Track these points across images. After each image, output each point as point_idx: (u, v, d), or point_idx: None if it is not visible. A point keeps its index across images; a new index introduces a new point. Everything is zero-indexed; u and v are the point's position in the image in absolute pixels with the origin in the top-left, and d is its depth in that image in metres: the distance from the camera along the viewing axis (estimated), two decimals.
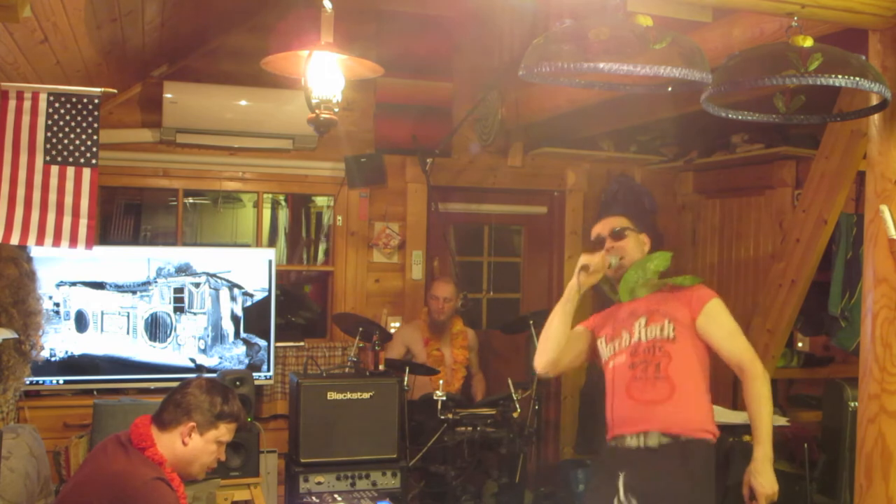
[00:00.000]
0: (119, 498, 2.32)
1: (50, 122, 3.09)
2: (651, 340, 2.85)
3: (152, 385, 4.69)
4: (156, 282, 4.68)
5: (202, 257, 4.78)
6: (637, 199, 5.76)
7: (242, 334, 4.82)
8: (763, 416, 2.71)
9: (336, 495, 3.59)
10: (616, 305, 3.05)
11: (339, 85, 2.94)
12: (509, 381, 4.48)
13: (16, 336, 3.22)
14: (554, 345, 2.94)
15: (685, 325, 2.84)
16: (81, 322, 4.58)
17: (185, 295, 4.72)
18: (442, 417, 4.26)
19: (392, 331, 5.10)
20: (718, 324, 2.83)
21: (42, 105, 3.08)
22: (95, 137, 3.15)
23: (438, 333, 5.00)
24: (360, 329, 4.49)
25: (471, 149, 5.60)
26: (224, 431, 2.56)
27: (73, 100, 3.13)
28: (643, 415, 2.82)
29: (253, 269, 4.84)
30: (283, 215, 7.10)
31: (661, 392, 2.79)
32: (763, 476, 2.69)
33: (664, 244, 5.86)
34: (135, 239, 5.98)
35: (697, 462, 2.76)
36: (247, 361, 4.81)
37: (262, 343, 4.84)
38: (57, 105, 3.10)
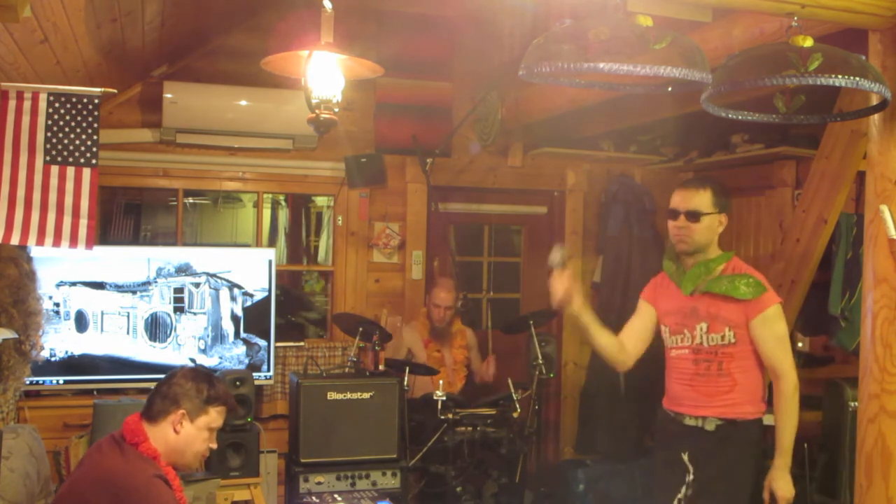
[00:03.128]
0: (117, 496, 2.33)
1: (50, 122, 3.09)
2: (713, 346, 3.08)
3: (152, 385, 4.66)
4: (156, 282, 4.68)
5: (202, 257, 4.78)
6: (637, 199, 5.76)
7: (242, 334, 4.82)
8: (788, 428, 3.00)
9: (336, 495, 3.60)
10: (674, 287, 3.21)
11: (339, 85, 2.94)
12: (509, 381, 4.48)
13: (16, 336, 3.22)
14: (611, 354, 3.25)
15: (742, 325, 3.04)
16: (81, 322, 4.58)
17: (185, 295, 4.72)
18: (442, 417, 4.26)
19: (390, 325, 5.10)
20: (769, 331, 3.02)
21: (42, 105, 3.08)
22: (95, 137, 3.15)
23: (440, 337, 4.99)
24: (360, 329, 4.49)
25: (471, 149, 5.60)
26: (214, 416, 2.58)
27: (73, 100, 3.12)
28: (703, 403, 3.10)
29: (253, 269, 4.84)
30: (283, 215, 7.10)
31: (723, 386, 3.07)
32: (783, 481, 3.01)
33: (664, 244, 5.88)
34: (135, 239, 5.98)
35: (747, 439, 3.08)
36: (247, 361, 4.81)
37: (262, 343, 4.84)
38: (57, 105, 3.10)
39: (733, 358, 3.06)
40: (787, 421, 2.99)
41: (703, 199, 3.08)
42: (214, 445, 2.64)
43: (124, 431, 2.49)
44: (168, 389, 2.55)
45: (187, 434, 2.52)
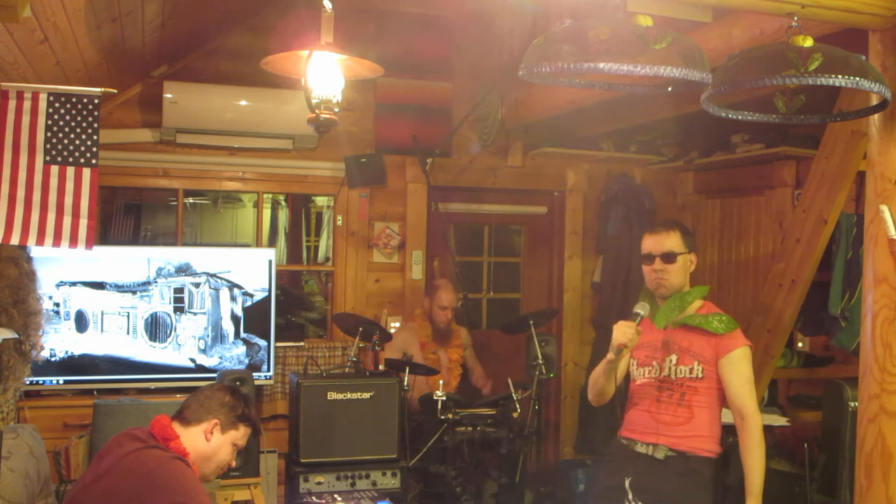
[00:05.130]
0: (142, 478, 2.36)
1: (50, 123, 3.09)
2: (680, 378, 3.08)
3: (152, 385, 4.69)
4: (156, 282, 4.68)
5: (202, 257, 4.78)
6: (637, 199, 5.76)
7: (242, 334, 4.82)
8: (756, 469, 2.91)
9: (336, 495, 3.59)
10: (648, 322, 3.18)
11: (339, 85, 2.94)
12: (509, 381, 4.48)
13: (16, 336, 3.23)
14: (601, 393, 3.22)
15: (711, 362, 3.05)
16: (81, 322, 4.58)
17: (185, 295, 4.72)
18: (442, 417, 4.26)
19: (392, 331, 5.10)
20: (737, 371, 3.01)
21: (42, 105, 3.08)
22: (95, 137, 3.15)
23: (442, 338, 4.98)
24: (360, 329, 4.49)
25: (471, 149, 5.60)
26: (242, 434, 2.68)
27: (73, 100, 3.12)
28: (657, 430, 3.08)
29: (253, 269, 4.84)
30: (283, 215, 7.11)
31: (680, 417, 3.06)
32: None
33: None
34: (135, 239, 5.98)
35: (698, 475, 3.03)
36: (247, 361, 4.81)
37: (262, 343, 4.84)
38: (57, 105, 3.10)
39: (697, 392, 3.05)
40: (755, 461, 2.91)
41: (674, 240, 3.15)
42: (234, 463, 2.72)
43: (154, 430, 2.54)
44: (206, 399, 2.65)
45: (217, 443, 2.61)
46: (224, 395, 2.68)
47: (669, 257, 3.13)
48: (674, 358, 3.09)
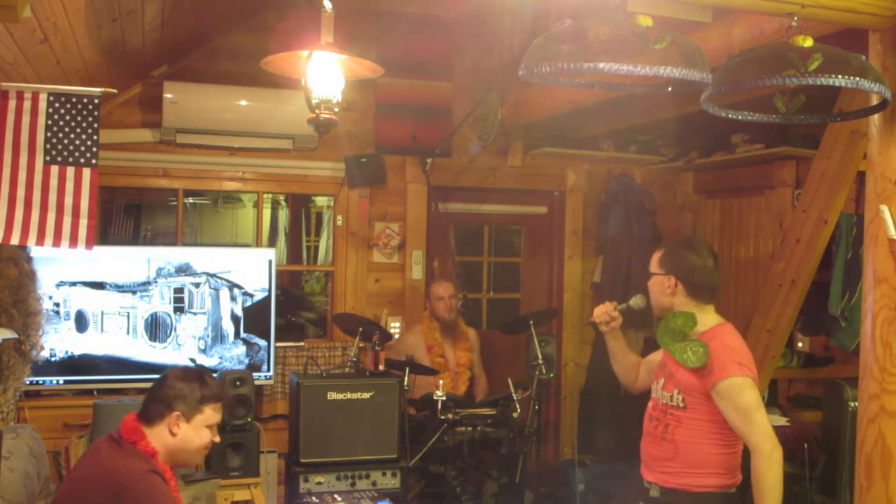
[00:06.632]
0: (114, 491, 2.35)
1: (50, 123, 3.09)
2: (664, 404, 2.95)
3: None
4: (156, 282, 4.68)
5: (202, 257, 4.78)
6: (637, 199, 5.76)
7: (242, 334, 4.82)
8: (764, 501, 2.67)
9: (336, 495, 3.59)
10: None
11: (339, 85, 2.94)
12: (509, 381, 4.48)
13: (16, 336, 3.23)
14: (620, 374, 3.30)
15: (697, 394, 2.81)
16: (81, 322, 4.58)
17: (185, 295, 4.72)
18: (442, 417, 4.26)
19: (392, 331, 5.09)
20: (729, 403, 2.74)
21: (42, 105, 3.08)
22: (95, 137, 3.15)
23: (451, 332, 4.97)
24: (360, 329, 4.49)
25: (471, 149, 5.60)
26: (210, 413, 2.58)
27: (73, 100, 3.12)
28: (649, 467, 2.99)
29: (253, 269, 4.84)
30: (283, 215, 7.11)
31: (665, 452, 2.90)
32: None
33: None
34: (135, 239, 5.98)
35: None
36: (247, 361, 4.81)
37: (262, 343, 4.84)
38: (57, 105, 3.10)
39: (680, 424, 2.85)
40: (762, 492, 2.66)
41: (654, 258, 3.05)
42: (217, 439, 2.63)
43: (122, 431, 2.50)
44: (160, 392, 2.55)
45: (185, 435, 2.53)
46: (177, 382, 2.55)
47: (648, 276, 3.07)
48: (662, 381, 2.96)
